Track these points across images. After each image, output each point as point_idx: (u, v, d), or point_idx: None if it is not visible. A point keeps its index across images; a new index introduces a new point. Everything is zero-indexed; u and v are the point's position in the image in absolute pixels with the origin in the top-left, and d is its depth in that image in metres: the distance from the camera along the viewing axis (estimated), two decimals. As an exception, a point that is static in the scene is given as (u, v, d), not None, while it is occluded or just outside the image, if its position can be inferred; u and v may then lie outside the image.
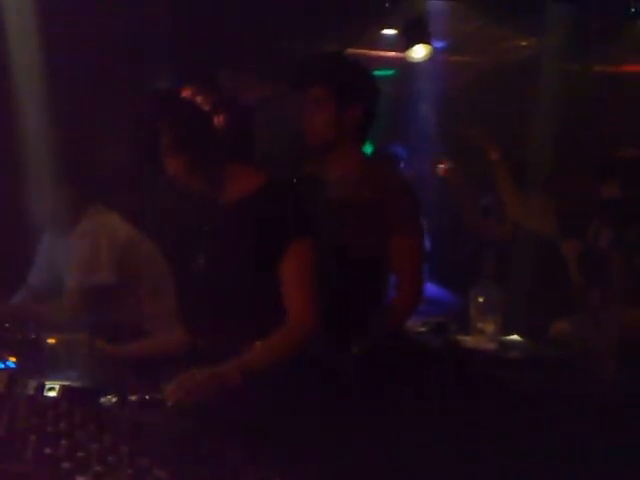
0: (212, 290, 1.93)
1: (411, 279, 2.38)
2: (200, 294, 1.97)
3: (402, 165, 4.46)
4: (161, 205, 3.46)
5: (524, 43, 5.18)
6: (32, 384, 1.68)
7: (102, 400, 1.65)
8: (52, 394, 1.67)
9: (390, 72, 5.65)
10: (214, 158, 1.93)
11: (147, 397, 1.67)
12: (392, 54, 5.28)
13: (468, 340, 2.98)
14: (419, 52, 4.60)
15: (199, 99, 1.89)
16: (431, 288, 3.85)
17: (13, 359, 1.86)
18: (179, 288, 2.06)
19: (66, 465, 1.28)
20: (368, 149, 4.41)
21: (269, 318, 1.88)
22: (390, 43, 5.19)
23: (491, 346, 2.91)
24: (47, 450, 1.32)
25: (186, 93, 1.90)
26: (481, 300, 3.00)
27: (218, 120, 1.89)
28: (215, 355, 1.84)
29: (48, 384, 1.68)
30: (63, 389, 1.68)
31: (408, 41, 4.62)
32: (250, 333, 1.87)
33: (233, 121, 1.92)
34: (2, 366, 1.83)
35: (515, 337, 3.03)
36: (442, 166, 3.72)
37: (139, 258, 2.98)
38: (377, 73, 5.60)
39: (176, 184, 2.00)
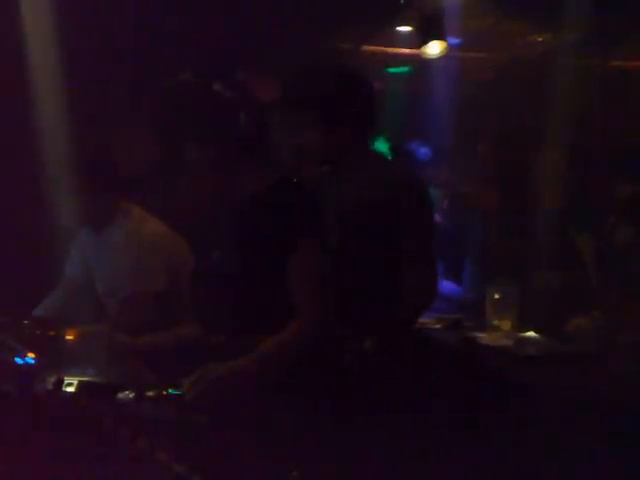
0: (226, 286, 1.94)
1: (421, 276, 2.38)
2: (214, 289, 1.98)
3: (423, 162, 4.45)
4: (176, 202, 3.48)
5: (540, 39, 5.16)
6: (51, 380, 1.69)
7: (120, 395, 1.66)
8: (71, 389, 1.68)
9: (405, 69, 5.65)
10: (234, 154, 1.93)
11: (164, 392, 1.68)
12: (407, 51, 5.28)
13: (484, 337, 2.97)
14: (434, 48, 4.59)
15: (226, 93, 1.88)
16: (447, 285, 3.85)
17: (32, 355, 1.88)
18: (193, 283, 2.07)
19: (85, 459, 1.29)
20: (383, 147, 4.42)
21: (282, 314, 1.87)
22: (405, 40, 5.19)
23: (507, 343, 2.90)
24: (66, 445, 1.33)
25: (214, 86, 1.89)
26: (497, 297, 2.99)
27: (241, 116, 1.89)
28: (229, 350, 1.84)
29: (67, 380, 1.70)
30: (81, 384, 1.69)
31: (423, 38, 4.61)
32: (263, 328, 1.87)
33: (253, 118, 1.92)
34: (21, 362, 1.85)
35: (532, 334, 3.02)
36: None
37: (180, 260, 2.98)
38: (392, 70, 5.63)
39: (192, 179, 1.99)
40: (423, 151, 4.51)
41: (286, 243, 1.87)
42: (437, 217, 4.28)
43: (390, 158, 3.82)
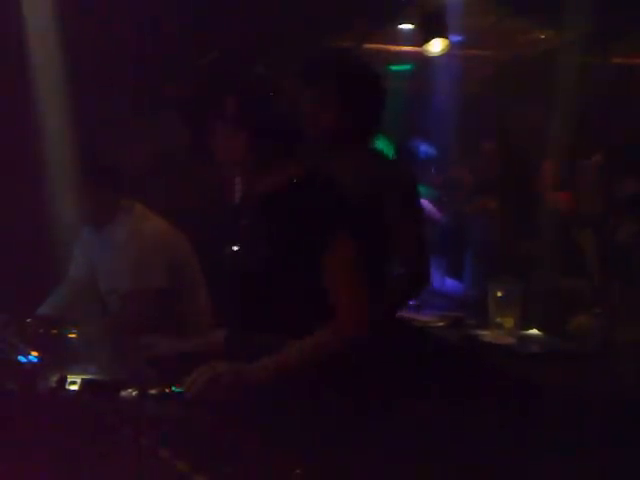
0: (250, 285, 1.88)
1: (410, 266, 2.39)
2: (238, 289, 1.92)
3: (426, 161, 4.43)
4: (196, 201, 3.48)
5: (542, 36, 5.16)
6: (54, 378, 1.70)
7: (123, 393, 1.66)
8: (74, 387, 1.69)
9: (407, 67, 5.64)
10: (277, 142, 1.86)
11: (167, 390, 1.68)
12: (409, 49, 5.28)
13: (486, 335, 2.97)
14: (436, 46, 4.58)
15: (272, 77, 1.85)
16: (449, 283, 3.85)
17: (35, 353, 1.88)
18: (216, 284, 2.04)
19: (88, 457, 1.29)
20: (384, 145, 4.42)
21: (310, 316, 1.81)
22: (407, 38, 5.18)
23: (510, 340, 2.90)
24: (69, 443, 1.33)
25: (259, 68, 1.86)
26: (500, 294, 2.99)
27: (283, 104, 1.85)
28: (253, 352, 1.79)
29: (70, 378, 1.70)
30: (84, 382, 1.70)
31: (425, 35, 4.61)
32: (289, 330, 1.80)
33: (286, 105, 1.87)
34: (25, 360, 1.85)
35: (534, 331, 3.02)
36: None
37: (182, 258, 2.98)
38: (394, 68, 5.62)
39: (221, 168, 1.93)
40: (425, 149, 4.50)
41: (318, 243, 1.79)
42: (438, 214, 4.28)
43: (389, 156, 3.83)
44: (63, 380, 1.69)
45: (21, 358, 1.86)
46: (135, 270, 2.83)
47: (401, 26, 5.14)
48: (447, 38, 4.55)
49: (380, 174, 2.40)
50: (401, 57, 5.50)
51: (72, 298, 3.01)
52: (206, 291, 3.03)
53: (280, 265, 1.82)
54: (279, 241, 1.83)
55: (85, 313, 2.86)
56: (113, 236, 2.91)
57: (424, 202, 4.25)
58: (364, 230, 1.87)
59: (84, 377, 1.73)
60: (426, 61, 4.99)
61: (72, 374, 1.73)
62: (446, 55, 4.66)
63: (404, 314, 3.22)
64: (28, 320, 2.32)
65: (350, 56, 2.51)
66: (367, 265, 1.85)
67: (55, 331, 2.22)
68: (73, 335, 2.21)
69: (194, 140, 1.95)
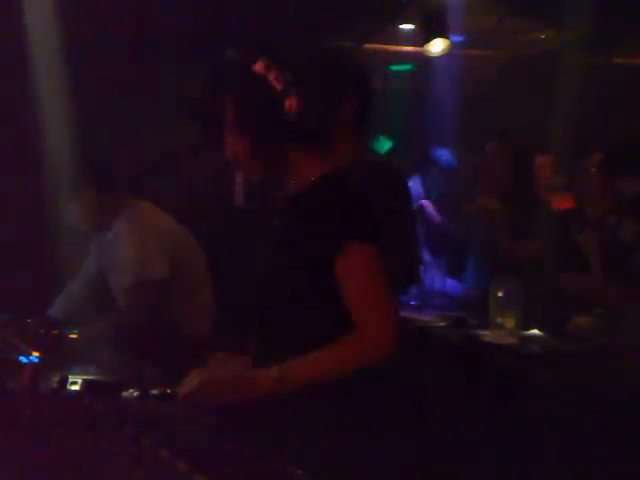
0: (270, 292, 1.83)
1: (403, 267, 2.40)
2: (258, 295, 1.87)
3: (449, 171, 4.42)
4: (209, 203, 3.46)
5: (542, 36, 5.16)
6: (55, 378, 1.70)
7: (124, 394, 1.67)
8: (75, 388, 1.69)
9: (407, 67, 5.64)
10: (279, 142, 1.80)
11: (168, 390, 1.68)
12: (409, 49, 5.28)
13: (487, 334, 2.98)
14: (437, 46, 4.59)
15: (272, 76, 1.78)
16: (450, 283, 3.86)
17: (37, 354, 1.89)
18: (233, 289, 2.02)
19: (89, 457, 1.30)
20: (387, 145, 4.42)
21: (329, 325, 1.75)
22: (407, 37, 5.19)
23: (510, 340, 2.90)
24: (69, 443, 1.34)
25: (259, 68, 1.80)
26: (500, 294, 3.00)
27: (289, 102, 1.78)
28: (267, 357, 1.74)
29: (71, 378, 1.71)
30: (86, 383, 1.70)
31: (426, 35, 4.61)
32: (306, 339, 1.74)
33: (301, 105, 1.80)
34: (26, 361, 1.86)
35: (535, 331, 3.02)
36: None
37: (187, 255, 2.99)
38: (394, 68, 5.62)
39: (234, 167, 1.89)
40: (447, 158, 4.46)
41: (339, 244, 1.71)
42: (438, 216, 4.29)
43: (383, 155, 3.82)
44: (64, 380, 1.69)
45: (22, 358, 1.86)
46: (136, 261, 2.85)
47: (401, 26, 5.14)
48: (447, 38, 4.55)
49: (375, 173, 2.41)
50: (401, 57, 5.50)
51: (83, 295, 3.05)
52: (210, 291, 3.05)
53: (300, 267, 1.76)
54: (297, 243, 1.78)
55: (93, 311, 2.88)
56: (117, 231, 2.93)
57: (424, 203, 4.29)
58: (380, 231, 1.81)
59: (85, 377, 1.73)
60: (426, 61, 4.99)
61: (73, 374, 1.74)
62: (447, 55, 4.66)
63: (405, 314, 3.23)
64: (29, 320, 2.33)
65: (347, 56, 2.51)
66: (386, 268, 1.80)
67: (56, 331, 2.23)
68: (74, 335, 2.22)
69: (202, 140, 1.92)
